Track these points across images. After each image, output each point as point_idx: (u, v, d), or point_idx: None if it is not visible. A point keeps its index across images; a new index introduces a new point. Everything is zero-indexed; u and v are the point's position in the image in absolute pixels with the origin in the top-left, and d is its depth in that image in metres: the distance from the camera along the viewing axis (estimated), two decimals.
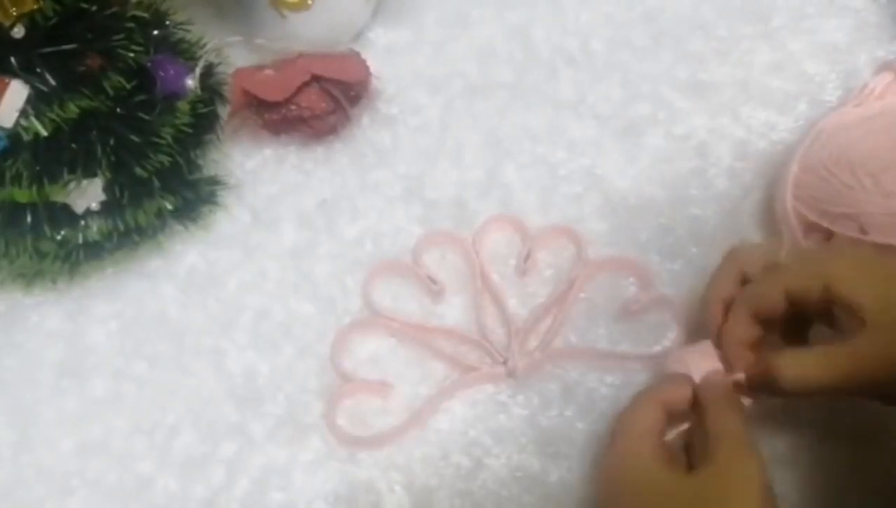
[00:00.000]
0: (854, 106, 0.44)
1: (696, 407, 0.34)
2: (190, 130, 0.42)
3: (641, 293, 0.42)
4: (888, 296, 0.33)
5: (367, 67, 0.47)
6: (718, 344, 0.35)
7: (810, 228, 0.41)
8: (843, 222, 0.39)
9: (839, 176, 0.40)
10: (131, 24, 0.39)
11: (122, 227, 0.41)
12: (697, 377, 0.34)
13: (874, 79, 0.45)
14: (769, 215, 0.43)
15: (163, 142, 0.40)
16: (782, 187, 0.42)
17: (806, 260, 0.36)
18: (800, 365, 0.33)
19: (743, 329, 0.35)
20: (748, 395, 0.34)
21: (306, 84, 0.45)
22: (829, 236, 0.40)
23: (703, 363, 0.35)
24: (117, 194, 0.40)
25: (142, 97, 0.40)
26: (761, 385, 0.34)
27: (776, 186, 0.43)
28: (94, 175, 0.39)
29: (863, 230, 0.39)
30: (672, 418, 0.33)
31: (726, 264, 0.36)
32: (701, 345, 0.35)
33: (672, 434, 0.34)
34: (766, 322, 0.35)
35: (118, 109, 0.39)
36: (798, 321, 0.35)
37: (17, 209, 0.40)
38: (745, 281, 0.36)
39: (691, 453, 0.33)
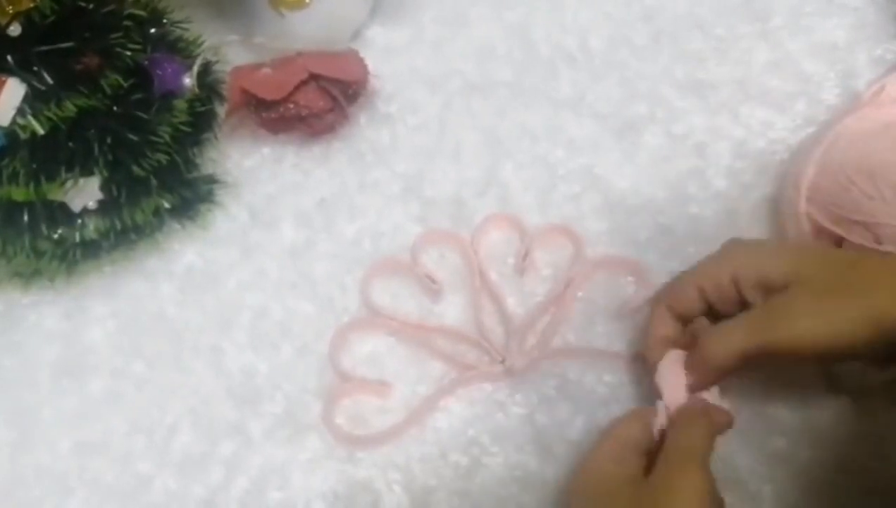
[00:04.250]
0: (874, 108, 0.42)
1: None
2: (188, 129, 0.42)
3: (639, 293, 0.42)
4: (793, 264, 0.33)
5: (365, 66, 0.47)
6: (645, 346, 0.37)
7: (820, 232, 0.40)
8: (858, 231, 0.39)
9: (859, 185, 0.39)
10: (129, 23, 0.39)
11: (119, 226, 0.41)
12: (666, 391, 0.35)
13: (891, 78, 0.43)
14: (769, 213, 0.44)
15: (160, 140, 0.40)
16: (793, 189, 0.41)
17: (711, 256, 0.37)
18: (724, 336, 0.34)
19: (665, 327, 0.36)
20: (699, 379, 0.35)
21: (304, 83, 0.45)
22: (839, 241, 0.39)
23: (671, 377, 0.35)
24: (115, 192, 0.40)
25: (139, 96, 0.40)
26: (700, 369, 0.35)
27: (785, 186, 0.42)
28: (92, 174, 0.39)
29: (878, 241, 0.38)
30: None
31: (656, 309, 0.37)
32: (669, 358, 0.36)
33: None
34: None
35: (115, 108, 0.39)
36: None
37: (14, 208, 0.39)
38: (683, 319, 0.37)
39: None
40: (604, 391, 0.39)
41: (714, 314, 0.36)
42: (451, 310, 0.42)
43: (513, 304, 0.42)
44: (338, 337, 0.41)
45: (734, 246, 0.36)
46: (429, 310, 0.42)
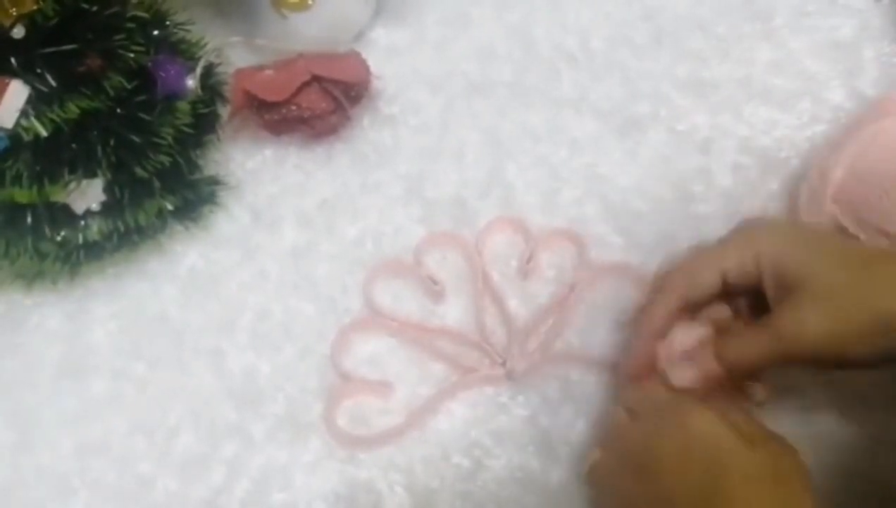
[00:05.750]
0: None
1: None
2: (190, 131, 0.42)
3: (642, 299, 0.41)
4: (809, 256, 0.33)
5: (367, 67, 0.47)
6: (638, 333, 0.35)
7: (841, 231, 0.39)
8: (882, 241, 0.38)
9: (893, 195, 0.38)
10: (132, 25, 0.39)
11: (122, 227, 0.41)
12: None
13: None
14: (775, 210, 0.43)
15: (163, 142, 0.40)
16: (820, 182, 0.40)
17: (732, 237, 0.35)
18: (738, 349, 0.34)
19: (667, 316, 0.35)
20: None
21: (307, 84, 0.45)
22: None
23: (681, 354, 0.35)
24: (117, 194, 0.40)
25: (142, 97, 0.40)
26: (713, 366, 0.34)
27: (809, 183, 0.41)
28: (95, 175, 0.39)
29: None
30: None
31: (663, 291, 0.36)
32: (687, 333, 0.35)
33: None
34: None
35: (118, 110, 0.39)
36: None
37: (17, 210, 0.40)
38: (693, 306, 0.35)
39: None
40: (606, 393, 0.39)
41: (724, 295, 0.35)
42: (453, 312, 0.42)
43: (515, 305, 0.42)
44: (339, 338, 0.41)
45: (757, 227, 0.35)
46: (431, 311, 0.42)
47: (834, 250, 0.34)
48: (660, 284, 0.36)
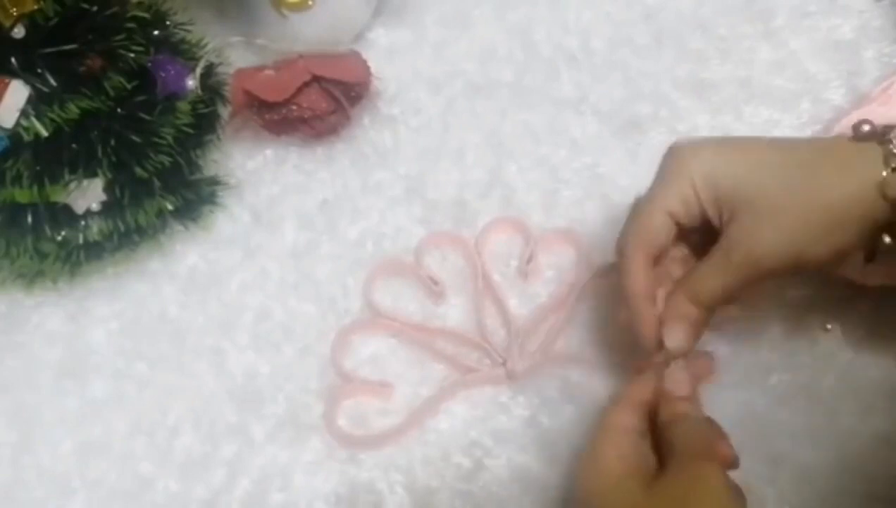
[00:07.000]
0: (881, 104, 0.42)
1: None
2: (190, 131, 0.42)
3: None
4: (755, 173, 0.32)
5: (367, 68, 0.47)
6: (632, 309, 0.34)
7: None
8: None
9: None
10: (132, 25, 0.39)
11: (122, 227, 0.41)
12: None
13: None
14: None
15: (163, 142, 0.40)
16: None
17: (665, 171, 0.34)
18: (702, 283, 0.33)
19: (647, 280, 0.34)
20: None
21: (307, 84, 0.45)
22: None
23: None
24: (118, 194, 0.40)
25: (142, 97, 0.40)
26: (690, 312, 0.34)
27: None
28: (95, 175, 0.39)
29: None
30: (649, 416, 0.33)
31: (633, 259, 0.34)
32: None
33: None
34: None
35: (119, 110, 0.39)
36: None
37: (17, 210, 0.40)
38: (657, 260, 0.35)
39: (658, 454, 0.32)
40: (606, 393, 0.39)
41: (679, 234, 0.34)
42: (454, 312, 0.42)
43: (515, 306, 0.42)
44: (340, 338, 0.41)
45: (683, 156, 0.34)
46: (431, 312, 0.42)
47: (766, 158, 0.33)
48: (620, 250, 0.35)
